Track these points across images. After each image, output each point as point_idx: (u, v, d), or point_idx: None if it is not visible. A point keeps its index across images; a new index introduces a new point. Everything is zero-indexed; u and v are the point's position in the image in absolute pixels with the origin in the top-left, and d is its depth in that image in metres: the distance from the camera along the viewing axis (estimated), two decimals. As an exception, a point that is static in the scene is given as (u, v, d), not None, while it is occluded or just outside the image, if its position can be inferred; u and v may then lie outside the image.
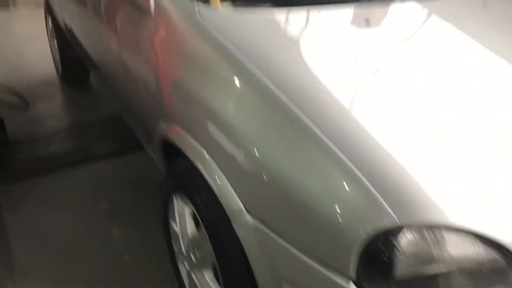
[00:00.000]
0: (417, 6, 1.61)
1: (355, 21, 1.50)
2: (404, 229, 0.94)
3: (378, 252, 0.94)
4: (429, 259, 0.96)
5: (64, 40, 3.11)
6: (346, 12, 1.53)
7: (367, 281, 0.97)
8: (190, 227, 1.48)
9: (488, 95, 1.26)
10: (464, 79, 1.31)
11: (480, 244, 0.95)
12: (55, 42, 3.36)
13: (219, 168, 1.22)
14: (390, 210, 0.94)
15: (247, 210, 1.15)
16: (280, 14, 1.49)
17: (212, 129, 1.26)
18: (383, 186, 0.97)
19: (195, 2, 1.46)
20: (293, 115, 1.11)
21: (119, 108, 2.36)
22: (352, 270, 0.96)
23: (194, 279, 1.50)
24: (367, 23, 1.47)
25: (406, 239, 0.95)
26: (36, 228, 2.13)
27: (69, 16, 2.69)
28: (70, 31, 2.83)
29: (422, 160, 1.04)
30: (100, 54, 2.26)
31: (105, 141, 2.71)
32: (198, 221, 1.40)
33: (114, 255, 1.97)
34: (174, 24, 1.48)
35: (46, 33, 3.63)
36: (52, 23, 3.25)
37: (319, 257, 1.01)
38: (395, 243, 0.94)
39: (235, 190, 1.19)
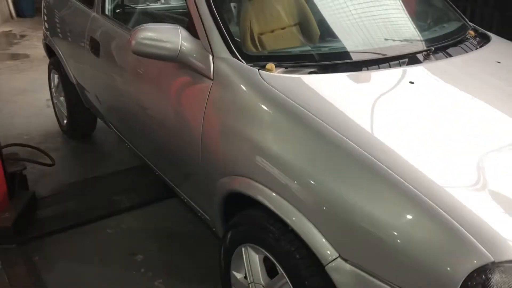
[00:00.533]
0: (447, 66, 1.84)
1: (398, 83, 1.69)
2: (497, 266, 1.09)
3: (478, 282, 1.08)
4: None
5: (74, 96, 3.20)
6: (396, 73, 1.74)
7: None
8: (262, 274, 1.57)
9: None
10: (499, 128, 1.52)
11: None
12: (62, 98, 3.43)
13: (306, 218, 1.34)
14: (483, 249, 1.09)
15: (338, 253, 1.27)
16: (326, 76, 1.67)
17: (289, 177, 1.39)
18: (470, 226, 1.13)
19: (256, 68, 1.64)
20: (372, 165, 1.27)
21: (150, 164, 2.44)
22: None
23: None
24: (411, 82, 1.67)
25: (498, 275, 1.09)
26: (76, 285, 2.14)
27: (89, 75, 2.78)
28: (84, 88, 2.94)
29: (495, 201, 1.21)
30: (132, 114, 2.35)
31: (127, 193, 2.76)
32: (272, 268, 1.50)
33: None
34: (239, 86, 1.63)
35: (49, 89, 3.69)
36: (61, 79, 3.32)
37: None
38: (490, 279, 1.09)
39: (321, 233, 1.31)
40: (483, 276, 1.09)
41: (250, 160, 1.53)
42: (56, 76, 3.47)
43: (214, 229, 1.97)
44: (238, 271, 1.71)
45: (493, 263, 1.09)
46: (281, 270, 1.45)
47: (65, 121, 3.52)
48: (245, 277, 1.68)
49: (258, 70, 1.64)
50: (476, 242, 1.10)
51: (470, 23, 2.38)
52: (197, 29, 1.81)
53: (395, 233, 1.18)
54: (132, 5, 2.85)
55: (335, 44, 1.92)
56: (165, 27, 1.79)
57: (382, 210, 1.22)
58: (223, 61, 1.70)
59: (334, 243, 1.29)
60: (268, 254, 1.50)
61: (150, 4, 2.94)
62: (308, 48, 1.97)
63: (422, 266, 1.14)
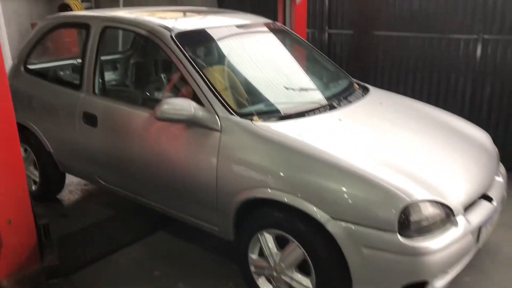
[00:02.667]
0: (353, 108, 3.02)
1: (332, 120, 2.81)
2: (414, 203, 2.19)
3: (405, 215, 2.16)
4: (422, 217, 2.21)
5: (48, 163, 3.78)
6: (328, 116, 2.84)
7: (401, 231, 2.16)
8: (274, 249, 2.50)
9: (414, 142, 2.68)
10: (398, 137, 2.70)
11: (439, 206, 2.25)
12: (31, 167, 3.95)
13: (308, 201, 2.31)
14: (407, 195, 2.19)
15: (329, 215, 2.26)
16: (288, 121, 2.72)
17: (281, 177, 2.38)
18: (393, 185, 2.22)
19: (250, 120, 2.62)
20: (325, 160, 2.32)
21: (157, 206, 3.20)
22: (395, 227, 2.15)
23: (282, 281, 2.49)
24: (340, 120, 2.80)
25: (415, 208, 2.19)
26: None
27: (77, 143, 3.44)
28: (65, 155, 3.59)
29: (400, 173, 2.33)
30: (137, 168, 3.11)
31: (127, 230, 3.47)
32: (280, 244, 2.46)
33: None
34: (242, 132, 2.59)
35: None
36: (32, 151, 3.87)
37: (379, 226, 2.17)
38: (411, 210, 2.18)
39: (313, 205, 2.29)
40: (407, 212, 2.18)
41: (253, 175, 2.48)
42: (23, 150, 3.98)
43: (222, 236, 2.83)
44: (253, 253, 2.61)
45: (410, 202, 2.18)
46: (293, 239, 2.39)
47: (33, 187, 4.02)
48: (259, 256, 2.59)
49: (251, 121, 2.62)
50: (400, 192, 2.19)
51: (353, 79, 3.65)
52: (201, 100, 2.73)
53: (354, 194, 2.22)
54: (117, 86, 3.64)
55: (289, 102, 3.00)
56: (180, 101, 2.68)
57: (341, 184, 2.26)
58: (227, 119, 2.65)
59: (323, 209, 2.27)
60: (281, 232, 2.43)
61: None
62: (271, 104, 2.97)
63: (375, 213, 2.19)
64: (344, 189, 2.26)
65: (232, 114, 2.67)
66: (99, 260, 3.15)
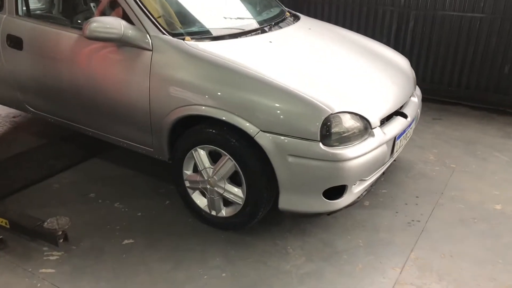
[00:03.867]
0: (283, 32, 3.12)
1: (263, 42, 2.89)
2: (335, 115, 2.37)
3: (327, 125, 2.34)
4: (342, 127, 2.40)
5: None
6: (259, 38, 2.92)
7: (323, 140, 2.35)
8: (207, 163, 2.62)
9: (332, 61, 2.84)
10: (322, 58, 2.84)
11: (358, 118, 2.44)
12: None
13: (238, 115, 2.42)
14: (329, 108, 2.36)
15: (258, 128, 2.38)
16: (219, 41, 2.78)
17: (214, 94, 2.46)
18: (316, 99, 2.38)
19: (181, 39, 2.65)
20: (256, 77, 2.44)
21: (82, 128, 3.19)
22: (318, 136, 2.33)
23: (215, 192, 2.64)
24: (271, 42, 2.89)
25: (336, 119, 2.37)
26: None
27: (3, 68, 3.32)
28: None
29: (326, 90, 2.49)
30: (68, 92, 3.06)
31: (59, 159, 3.46)
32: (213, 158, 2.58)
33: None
34: (174, 51, 2.62)
35: None
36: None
37: (304, 136, 2.34)
38: (332, 121, 2.36)
39: (244, 119, 2.40)
40: (329, 123, 2.35)
41: (186, 93, 2.55)
42: None
43: (156, 156, 2.91)
44: (187, 170, 2.72)
45: (332, 114, 2.36)
46: (225, 153, 2.51)
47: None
48: (193, 171, 2.71)
49: (181, 40, 2.65)
50: (322, 105, 2.36)
51: (285, 8, 3.72)
52: (132, 19, 2.70)
53: (281, 108, 2.36)
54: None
55: (221, 26, 3.03)
56: (110, 19, 2.64)
57: (270, 99, 2.39)
58: (158, 38, 2.66)
59: (253, 123, 2.39)
60: (214, 147, 2.55)
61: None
62: (203, 26, 2.99)
63: (299, 125, 2.35)
64: (272, 103, 2.38)
65: (164, 34, 2.68)
66: (32, 186, 3.14)
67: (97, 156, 3.56)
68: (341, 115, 2.39)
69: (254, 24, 3.12)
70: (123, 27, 2.64)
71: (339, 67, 2.84)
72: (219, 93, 2.46)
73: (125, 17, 2.74)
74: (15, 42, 3.17)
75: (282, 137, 2.36)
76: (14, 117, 4.28)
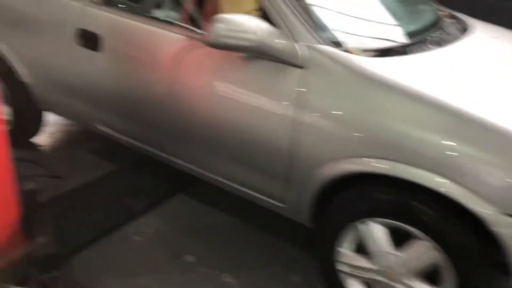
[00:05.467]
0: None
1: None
2: None
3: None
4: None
5: (23, 98, 2.79)
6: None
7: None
8: (387, 247, 1.72)
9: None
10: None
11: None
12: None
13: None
14: None
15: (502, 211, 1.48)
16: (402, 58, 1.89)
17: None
18: None
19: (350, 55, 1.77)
20: None
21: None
22: None
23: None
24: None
25: None
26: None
27: (70, 72, 2.47)
28: (50, 88, 2.62)
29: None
30: (164, 110, 2.21)
31: (135, 196, 2.60)
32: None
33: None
34: (335, 72, 1.76)
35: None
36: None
37: None
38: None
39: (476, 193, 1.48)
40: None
41: (355, 138, 1.67)
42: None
43: (288, 215, 2.04)
44: (344, 247, 1.83)
45: None
46: (426, 236, 1.62)
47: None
48: (356, 251, 1.83)
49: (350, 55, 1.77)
50: None
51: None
52: (274, 18, 1.82)
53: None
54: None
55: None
56: (244, 19, 1.76)
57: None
58: (314, 49, 1.78)
59: (490, 201, 1.48)
60: (399, 223, 1.66)
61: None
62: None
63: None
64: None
65: (321, 43, 1.79)
66: (102, 239, 2.29)
67: (183, 192, 2.69)
68: None
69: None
70: (262, 31, 1.76)
71: None
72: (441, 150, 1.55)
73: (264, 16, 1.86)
74: (88, 40, 2.32)
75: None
76: (65, 125, 3.41)
